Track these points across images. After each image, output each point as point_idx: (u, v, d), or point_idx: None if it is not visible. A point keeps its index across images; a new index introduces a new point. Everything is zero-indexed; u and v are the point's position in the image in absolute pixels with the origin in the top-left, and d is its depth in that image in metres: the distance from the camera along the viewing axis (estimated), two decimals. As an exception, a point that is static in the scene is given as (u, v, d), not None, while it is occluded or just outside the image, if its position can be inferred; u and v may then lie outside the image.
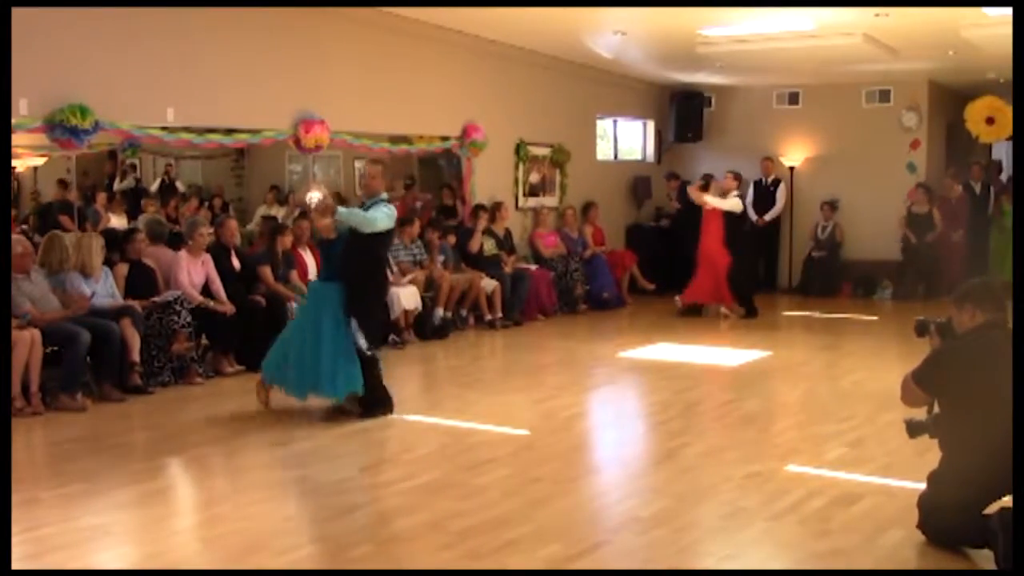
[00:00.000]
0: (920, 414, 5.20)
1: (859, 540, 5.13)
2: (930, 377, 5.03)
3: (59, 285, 8.59)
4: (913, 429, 5.16)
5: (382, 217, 7.78)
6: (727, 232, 13.15)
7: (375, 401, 7.90)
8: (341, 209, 7.77)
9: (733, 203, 13.25)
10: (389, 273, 9.58)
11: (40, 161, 14.40)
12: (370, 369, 7.88)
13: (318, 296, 8.07)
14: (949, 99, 16.11)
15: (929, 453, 5.24)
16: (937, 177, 15.89)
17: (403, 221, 12.39)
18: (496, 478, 6.24)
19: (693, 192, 13.56)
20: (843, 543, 5.09)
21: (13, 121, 8.72)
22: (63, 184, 13.87)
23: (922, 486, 5.13)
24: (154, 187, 15.54)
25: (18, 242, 8.63)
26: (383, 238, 7.97)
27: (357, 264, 7.85)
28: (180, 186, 15.47)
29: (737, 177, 13.53)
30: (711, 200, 13.17)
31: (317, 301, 8.02)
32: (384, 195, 7.99)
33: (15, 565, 4.91)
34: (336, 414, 7.88)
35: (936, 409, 5.11)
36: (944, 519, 4.92)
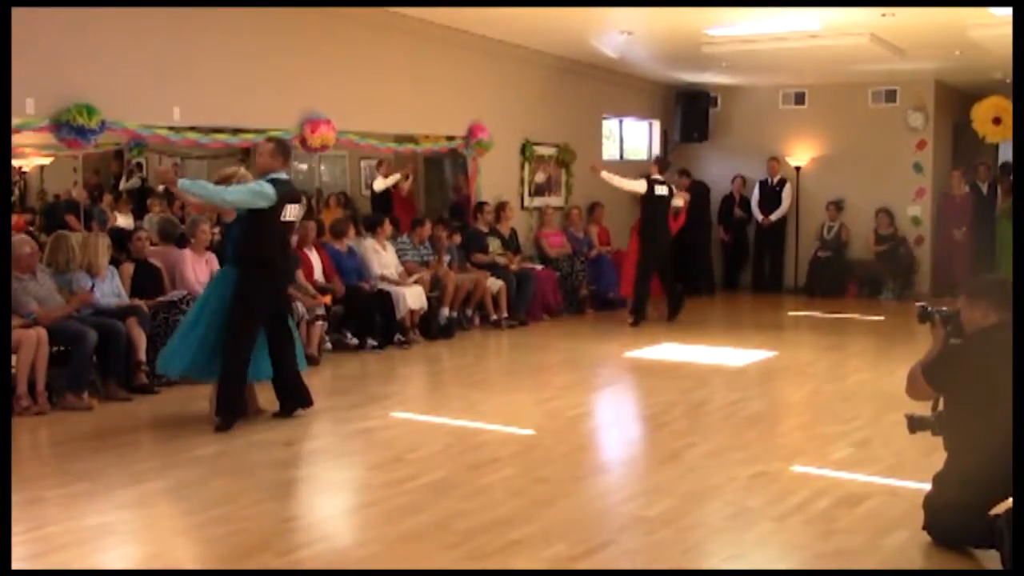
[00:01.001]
0: (923, 408, 5.18)
1: (864, 541, 5.12)
2: (939, 374, 4.99)
3: (65, 285, 8.60)
4: (915, 424, 5.13)
5: (236, 192, 7.34)
6: (643, 219, 12.76)
7: (229, 404, 7.45)
8: (184, 181, 7.36)
9: (630, 184, 12.76)
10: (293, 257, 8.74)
11: (47, 160, 14.43)
12: (234, 364, 7.43)
13: (215, 280, 7.80)
14: (955, 99, 16.08)
15: (935, 454, 5.22)
16: (943, 177, 15.88)
17: (415, 223, 12.44)
18: (501, 478, 6.24)
19: (596, 166, 13.10)
20: (848, 544, 5.08)
21: (20, 121, 8.76)
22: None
23: (928, 487, 5.11)
24: (162, 187, 15.53)
25: (25, 242, 8.64)
26: (266, 216, 7.39)
27: (244, 246, 7.51)
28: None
29: (658, 161, 13.16)
30: (606, 176, 12.76)
31: (212, 285, 7.76)
32: (280, 174, 7.54)
33: (19, 564, 4.91)
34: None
35: (940, 407, 5.10)
36: (949, 520, 4.90)
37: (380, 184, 13.68)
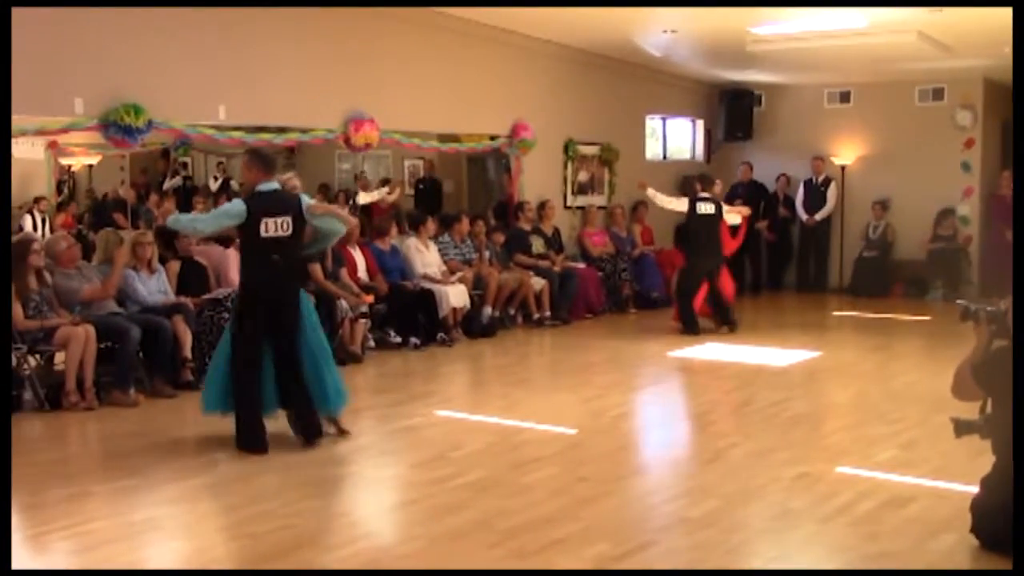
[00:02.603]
0: (969, 410, 5.11)
1: (910, 543, 5.06)
2: (990, 376, 4.91)
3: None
4: (961, 428, 5.06)
5: (206, 220, 7.29)
6: (688, 237, 12.26)
7: (242, 434, 6.91)
8: (170, 218, 7.31)
9: (672, 203, 12.30)
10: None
11: (95, 160, 14.63)
12: (237, 392, 6.95)
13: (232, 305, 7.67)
14: (1005, 97, 15.85)
15: (982, 456, 5.15)
16: (992, 177, 15.69)
17: (452, 219, 12.46)
18: (543, 477, 6.24)
19: (642, 184, 12.74)
20: (894, 546, 5.03)
21: (69, 120, 8.90)
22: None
23: (975, 489, 5.05)
24: (215, 186, 15.77)
25: (61, 238, 8.83)
26: (246, 234, 6.87)
27: (239, 267, 7.21)
28: (234, 185, 15.65)
29: (702, 179, 12.44)
30: (651, 193, 12.46)
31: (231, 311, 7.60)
32: (267, 185, 6.92)
33: (66, 558, 4.99)
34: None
35: (989, 409, 5.03)
36: (998, 523, 4.83)
37: (363, 198, 14.34)
